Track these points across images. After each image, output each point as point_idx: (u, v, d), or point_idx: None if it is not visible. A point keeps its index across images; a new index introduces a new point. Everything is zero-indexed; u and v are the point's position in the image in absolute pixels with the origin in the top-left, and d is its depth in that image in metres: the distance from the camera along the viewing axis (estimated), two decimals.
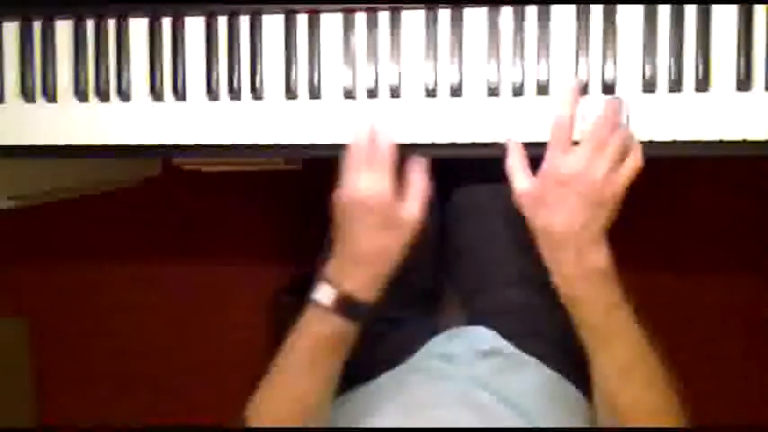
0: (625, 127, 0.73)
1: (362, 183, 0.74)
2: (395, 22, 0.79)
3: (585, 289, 0.72)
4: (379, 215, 0.74)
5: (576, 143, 0.73)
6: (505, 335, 0.90)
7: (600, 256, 0.72)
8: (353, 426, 0.80)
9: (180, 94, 0.83)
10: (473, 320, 0.95)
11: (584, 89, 0.76)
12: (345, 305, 0.75)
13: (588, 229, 0.71)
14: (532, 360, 0.88)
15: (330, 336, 0.76)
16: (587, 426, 0.88)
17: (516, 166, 0.74)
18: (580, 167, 0.70)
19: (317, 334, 0.76)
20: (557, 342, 0.90)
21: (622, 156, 0.71)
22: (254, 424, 0.78)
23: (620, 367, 0.73)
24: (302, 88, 0.81)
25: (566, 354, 0.90)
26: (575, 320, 0.74)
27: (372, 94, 0.80)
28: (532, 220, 0.74)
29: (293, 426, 0.77)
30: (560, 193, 0.71)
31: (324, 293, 0.76)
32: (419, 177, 0.77)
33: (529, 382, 0.85)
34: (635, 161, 0.72)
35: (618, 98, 0.73)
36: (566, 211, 0.71)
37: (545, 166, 0.72)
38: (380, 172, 0.74)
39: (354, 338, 0.78)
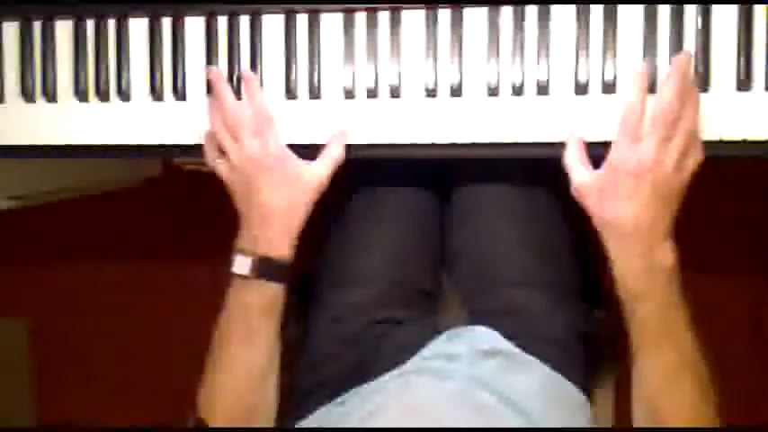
0: (691, 114, 0.71)
1: (251, 144, 0.77)
2: (395, 22, 0.79)
3: (649, 285, 0.71)
4: (276, 172, 0.77)
5: None
6: (506, 335, 0.90)
7: (668, 254, 0.71)
8: (354, 426, 0.80)
9: (180, 94, 0.83)
10: (474, 320, 0.95)
11: (583, 88, 0.76)
12: (264, 268, 0.78)
13: (659, 223, 0.70)
14: (533, 360, 0.88)
15: (259, 302, 0.79)
16: (587, 426, 0.88)
17: (575, 158, 0.73)
18: (653, 158, 0.69)
19: (247, 304, 0.79)
20: (557, 342, 0.90)
21: (688, 147, 0.71)
22: (208, 411, 0.80)
23: (669, 369, 0.72)
24: (302, 88, 0.81)
25: (566, 354, 0.90)
26: (629, 315, 0.73)
27: (372, 94, 0.80)
28: (598, 212, 0.72)
29: (249, 399, 0.80)
30: (632, 185, 0.70)
31: (241, 264, 0.78)
32: (335, 144, 0.79)
33: (530, 382, 0.85)
34: (698, 153, 0.71)
35: (690, 86, 0.71)
36: (637, 202, 0.70)
37: (613, 156, 0.71)
38: (265, 130, 0.77)
39: (283, 300, 0.80)
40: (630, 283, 0.72)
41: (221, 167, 0.80)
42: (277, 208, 0.78)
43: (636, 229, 0.70)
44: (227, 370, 0.81)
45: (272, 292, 0.79)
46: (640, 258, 0.71)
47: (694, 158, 0.71)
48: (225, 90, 0.79)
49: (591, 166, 0.73)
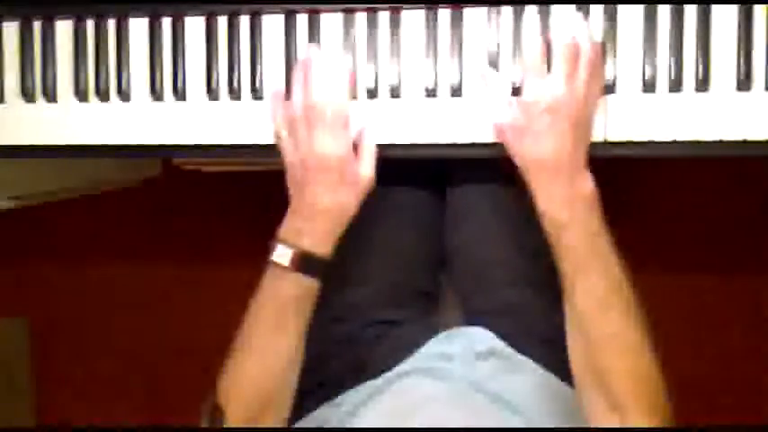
0: (588, 45, 0.73)
1: (323, 140, 0.75)
2: (395, 22, 0.79)
3: (572, 213, 0.72)
4: (337, 172, 0.76)
5: None
6: (502, 335, 0.90)
7: (587, 182, 0.72)
8: (350, 425, 0.80)
9: (180, 94, 0.83)
10: (470, 321, 0.95)
11: None
12: (304, 262, 0.77)
13: (578, 153, 0.72)
14: (528, 360, 0.88)
15: (293, 295, 0.78)
16: (583, 426, 0.88)
17: (499, 98, 0.75)
18: (563, 90, 0.71)
19: (280, 295, 0.78)
20: (553, 343, 0.90)
21: (594, 73, 0.72)
22: (227, 396, 0.79)
23: (599, 297, 0.73)
24: None
25: (561, 354, 0.90)
26: (556, 247, 0.74)
27: (372, 94, 0.80)
28: (520, 152, 0.73)
29: (269, 390, 0.79)
30: (548, 120, 0.71)
31: (281, 254, 0.77)
32: (369, 137, 0.78)
33: (526, 383, 0.85)
34: (601, 80, 0.74)
35: (580, 22, 0.74)
36: (555, 136, 0.71)
37: (526, 94, 0.73)
38: (340, 130, 0.76)
39: (316, 295, 0.80)
40: (555, 214, 0.73)
41: (286, 145, 0.78)
42: (329, 207, 0.77)
43: (556, 162, 0.72)
44: (251, 357, 0.80)
45: (306, 286, 0.78)
46: (562, 189, 0.72)
47: (598, 86, 0.73)
48: (317, 76, 0.77)
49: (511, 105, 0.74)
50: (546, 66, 0.72)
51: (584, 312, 0.74)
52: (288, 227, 0.78)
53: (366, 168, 0.77)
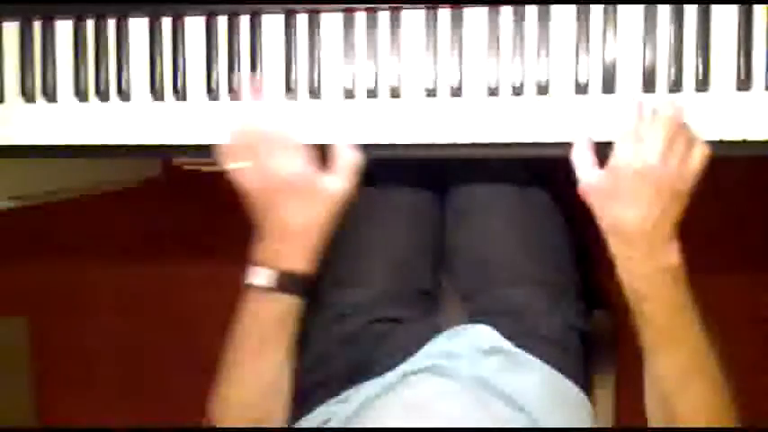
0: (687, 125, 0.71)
1: (278, 162, 0.75)
2: (395, 22, 0.79)
3: (654, 287, 0.71)
4: (301, 190, 0.76)
5: None
6: (505, 334, 0.90)
7: (672, 255, 0.70)
8: (354, 424, 0.80)
9: (180, 94, 0.83)
10: (473, 320, 0.95)
11: (584, 88, 0.76)
12: (286, 282, 0.77)
13: (662, 224, 0.70)
14: (533, 359, 0.88)
15: (276, 315, 0.78)
16: (588, 425, 0.88)
17: (582, 157, 0.73)
18: (656, 159, 0.69)
19: (264, 317, 0.78)
20: (556, 341, 0.90)
21: (690, 147, 0.70)
22: (222, 419, 0.80)
23: (680, 371, 0.71)
24: (302, 88, 0.81)
25: (565, 353, 0.90)
26: (637, 316, 0.73)
27: (372, 94, 0.80)
28: (602, 214, 0.72)
29: (262, 408, 0.79)
30: (635, 186, 0.69)
31: (261, 276, 0.77)
32: (346, 150, 0.78)
33: (530, 381, 0.85)
34: (703, 150, 0.70)
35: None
36: (640, 204, 0.69)
37: (617, 157, 0.71)
38: (293, 150, 0.76)
39: (301, 311, 0.80)
40: (635, 284, 0.71)
41: (242, 173, 0.77)
42: (299, 226, 0.76)
43: (639, 230, 0.70)
44: (240, 382, 0.80)
45: (289, 304, 0.79)
46: (644, 259, 0.70)
47: (698, 156, 0.70)
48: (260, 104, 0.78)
49: (597, 167, 0.73)
50: (642, 130, 0.70)
51: (665, 383, 0.73)
52: (263, 249, 0.78)
53: (336, 180, 0.77)
